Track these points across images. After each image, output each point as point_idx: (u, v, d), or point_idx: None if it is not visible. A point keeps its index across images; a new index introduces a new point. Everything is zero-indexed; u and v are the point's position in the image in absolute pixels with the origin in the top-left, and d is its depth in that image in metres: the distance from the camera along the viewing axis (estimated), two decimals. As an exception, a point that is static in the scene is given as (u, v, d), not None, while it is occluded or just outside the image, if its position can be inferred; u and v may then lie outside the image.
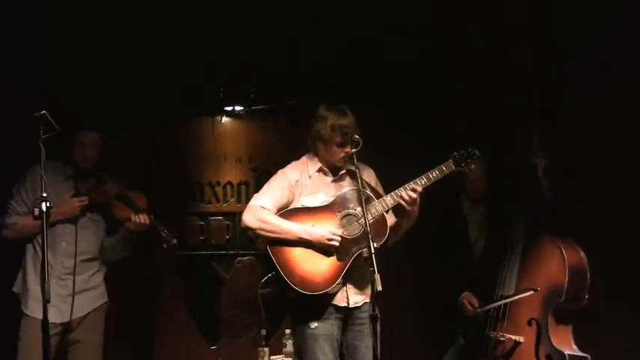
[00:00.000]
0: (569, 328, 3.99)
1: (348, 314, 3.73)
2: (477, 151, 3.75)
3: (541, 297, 3.97)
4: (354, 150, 3.57)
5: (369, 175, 3.86)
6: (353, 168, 3.67)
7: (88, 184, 4.06)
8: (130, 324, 5.05)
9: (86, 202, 4.03)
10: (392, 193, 3.69)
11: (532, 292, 3.98)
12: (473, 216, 4.56)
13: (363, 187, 3.64)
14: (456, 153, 3.73)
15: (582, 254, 3.99)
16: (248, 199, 5.25)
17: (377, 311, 3.31)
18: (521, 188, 4.15)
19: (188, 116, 5.44)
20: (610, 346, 4.16)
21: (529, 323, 3.98)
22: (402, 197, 3.63)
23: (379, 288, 3.19)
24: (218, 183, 5.51)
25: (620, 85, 4.27)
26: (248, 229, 3.77)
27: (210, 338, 5.35)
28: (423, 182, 3.65)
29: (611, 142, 4.33)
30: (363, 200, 3.49)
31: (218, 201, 5.50)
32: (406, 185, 3.67)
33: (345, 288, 3.70)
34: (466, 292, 4.36)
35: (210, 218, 5.49)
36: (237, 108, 5.45)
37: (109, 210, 4.10)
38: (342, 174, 3.82)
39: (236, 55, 5.07)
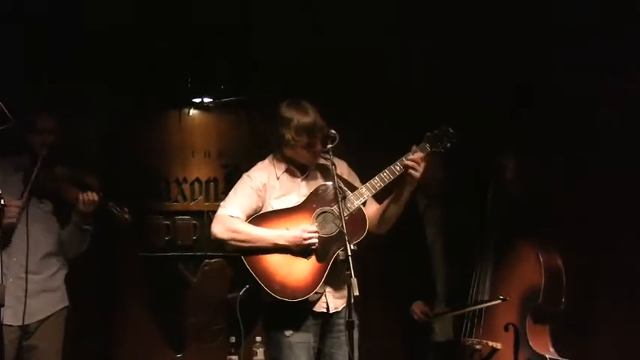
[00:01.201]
0: (547, 331, 4.01)
1: (326, 320, 3.70)
2: (451, 129, 3.69)
3: (518, 300, 3.99)
4: (330, 146, 3.56)
5: (340, 167, 3.81)
6: (322, 162, 3.69)
7: (38, 171, 3.99)
8: (88, 329, 4.99)
9: (20, 205, 3.94)
10: (370, 182, 3.65)
11: (500, 301, 4.00)
12: (430, 215, 4.53)
13: (338, 178, 3.63)
14: (429, 133, 3.68)
15: (558, 257, 4.02)
16: (217, 197, 5.37)
17: (354, 317, 3.33)
18: (490, 191, 4.16)
19: (153, 108, 5.40)
20: (592, 353, 4.28)
21: (506, 328, 3.99)
22: (403, 167, 3.58)
23: (356, 292, 3.17)
24: (185, 180, 5.48)
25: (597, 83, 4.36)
26: (218, 240, 3.72)
27: (175, 345, 5.34)
28: (398, 168, 3.63)
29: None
30: (340, 198, 3.48)
31: (185, 199, 5.48)
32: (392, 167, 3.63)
33: (325, 292, 3.67)
34: (417, 302, 4.42)
35: (176, 217, 5.47)
36: (206, 100, 5.42)
37: (59, 194, 4.03)
38: (312, 171, 3.80)
39: (205, 44, 5.05)
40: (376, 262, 4.69)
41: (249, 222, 3.70)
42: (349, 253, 3.26)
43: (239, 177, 4.26)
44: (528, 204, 4.14)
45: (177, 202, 5.49)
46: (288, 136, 3.65)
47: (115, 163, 5.23)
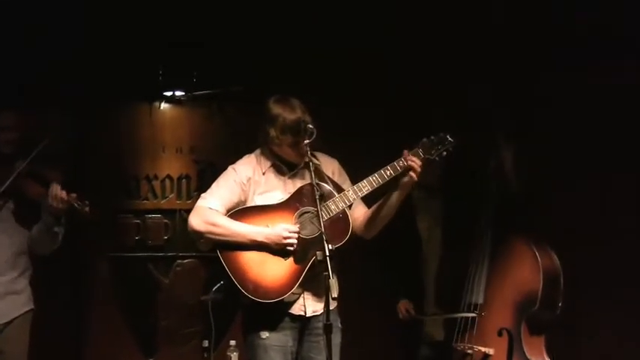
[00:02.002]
0: (542, 338, 3.98)
1: (304, 324, 3.67)
2: (449, 137, 3.62)
3: (513, 305, 3.95)
4: (307, 141, 3.52)
5: (331, 166, 3.80)
6: (313, 160, 3.62)
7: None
8: (55, 333, 4.97)
9: None
10: (358, 185, 3.62)
11: (474, 315, 4.00)
12: (424, 208, 4.46)
13: (324, 181, 3.62)
14: (425, 139, 3.63)
15: (556, 259, 3.98)
16: (189, 195, 5.37)
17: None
18: (485, 186, 4.14)
19: (122, 101, 5.38)
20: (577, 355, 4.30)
21: (499, 334, 3.95)
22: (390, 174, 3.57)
23: (334, 294, 3.14)
24: (156, 177, 5.47)
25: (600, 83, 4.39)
26: (195, 233, 3.68)
27: (146, 349, 5.31)
28: (388, 173, 3.58)
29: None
30: (317, 197, 3.43)
31: (156, 197, 5.47)
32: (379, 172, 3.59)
33: (302, 295, 3.64)
34: (403, 300, 4.42)
35: (146, 216, 5.46)
36: (178, 93, 5.40)
37: (21, 191, 3.98)
38: (300, 168, 3.75)
39: (177, 35, 5.02)
40: (362, 259, 4.68)
41: (228, 216, 3.67)
42: (327, 254, 3.22)
43: (212, 173, 4.25)
44: (526, 200, 4.11)
45: (148, 200, 5.47)
46: (273, 133, 3.62)
47: (81, 159, 5.20)
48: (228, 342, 4.01)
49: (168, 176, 5.48)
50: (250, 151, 3.88)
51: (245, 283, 3.58)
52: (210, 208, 3.67)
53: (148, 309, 5.34)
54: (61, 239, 4.09)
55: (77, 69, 5.01)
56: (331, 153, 3.89)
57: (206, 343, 4.06)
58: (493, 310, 4.01)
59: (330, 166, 3.79)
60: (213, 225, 3.63)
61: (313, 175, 3.48)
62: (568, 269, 3.95)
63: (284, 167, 3.75)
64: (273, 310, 3.62)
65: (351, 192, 3.62)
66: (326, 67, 5.06)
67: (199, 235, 3.67)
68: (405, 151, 3.60)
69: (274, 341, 3.64)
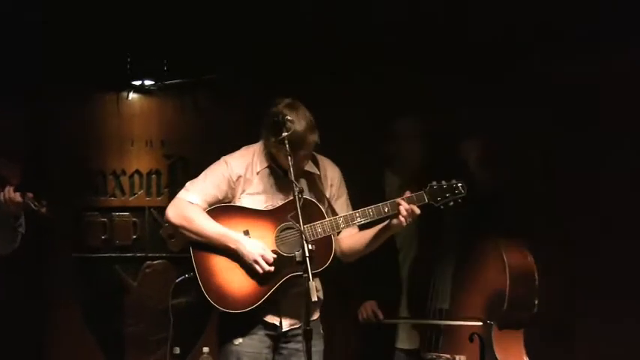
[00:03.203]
0: (520, 339, 3.98)
1: (280, 333, 3.68)
2: (461, 185, 3.60)
3: (481, 307, 3.98)
4: (285, 134, 3.47)
5: (331, 175, 3.81)
6: (313, 170, 3.70)
7: None
8: (14, 338, 4.91)
9: None
10: (351, 214, 3.62)
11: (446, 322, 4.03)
12: None
13: (318, 196, 3.67)
14: (434, 183, 3.61)
15: (528, 256, 3.99)
16: (159, 192, 5.37)
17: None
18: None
19: (86, 91, 5.34)
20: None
21: (470, 339, 3.94)
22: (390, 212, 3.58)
23: (314, 298, 3.13)
24: (124, 172, 5.45)
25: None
26: (170, 224, 3.72)
27: (112, 357, 5.29)
28: (386, 210, 3.58)
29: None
30: (296, 197, 3.36)
31: (123, 194, 5.45)
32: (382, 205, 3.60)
33: (278, 310, 3.65)
34: (369, 301, 4.36)
35: (113, 214, 5.43)
36: (148, 82, 5.37)
37: None
38: (298, 177, 3.65)
39: (147, 20, 4.97)
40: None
41: (208, 210, 3.68)
42: (307, 254, 3.21)
43: (184, 168, 4.19)
44: (496, 199, 4.12)
45: (115, 197, 5.45)
46: (271, 139, 3.60)
47: (41, 152, 5.20)
48: (202, 349, 3.99)
49: (137, 171, 5.45)
50: (224, 146, 3.88)
51: (208, 287, 3.61)
52: (190, 202, 3.67)
53: (115, 313, 5.32)
54: (20, 239, 4.04)
55: (35, 53, 4.97)
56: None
57: (177, 350, 4.03)
58: (462, 315, 4.02)
59: (330, 175, 3.80)
60: (188, 220, 3.64)
61: (292, 175, 3.40)
62: (568, 274, 4.07)
63: (280, 172, 3.70)
64: (246, 317, 3.62)
65: (342, 220, 3.62)
66: (306, 54, 5.07)
67: (174, 227, 3.71)
68: (408, 192, 3.60)
69: (247, 347, 3.64)
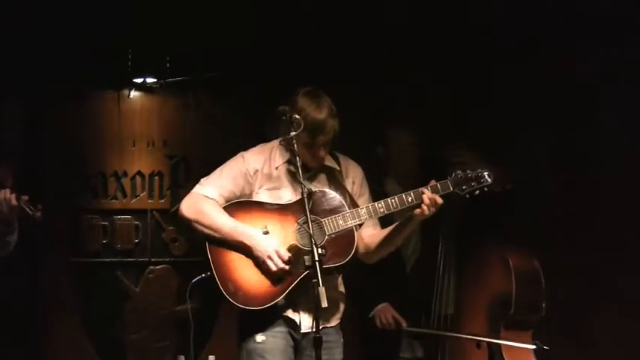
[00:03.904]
0: (528, 342, 3.95)
1: (300, 335, 3.64)
2: (487, 174, 3.57)
3: (487, 312, 4.00)
4: (293, 133, 3.44)
5: (353, 174, 3.80)
6: (333, 165, 3.70)
7: None
8: (10, 346, 4.85)
9: None
10: (373, 205, 3.60)
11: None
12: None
13: (339, 190, 3.63)
14: (459, 171, 3.59)
15: (533, 259, 4.02)
16: (162, 194, 5.34)
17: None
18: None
19: (86, 89, 5.32)
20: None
21: (478, 346, 3.94)
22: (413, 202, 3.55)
23: (324, 304, 3.11)
24: (125, 173, 5.43)
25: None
26: (183, 219, 3.70)
27: (113, 366, 5.18)
28: (409, 199, 3.54)
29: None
30: (305, 198, 3.36)
31: (125, 196, 5.42)
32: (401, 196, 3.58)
33: (297, 308, 3.63)
34: (384, 304, 4.31)
35: (115, 217, 5.41)
36: (149, 80, 5.35)
37: None
38: (318, 171, 3.73)
39: (149, 15, 4.98)
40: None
41: (226, 206, 3.67)
42: (316, 258, 3.21)
43: (186, 169, 4.15)
44: (494, 201, 4.06)
45: (116, 199, 5.43)
46: (292, 128, 3.54)
47: (39, 153, 5.18)
48: (207, 357, 3.98)
49: (139, 173, 5.43)
50: (228, 146, 3.94)
51: (226, 284, 3.58)
52: (206, 196, 3.67)
53: (116, 321, 5.30)
54: (13, 245, 3.99)
55: (33, 51, 4.96)
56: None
57: (182, 359, 4.01)
58: (468, 321, 4.06)
59: (352, 174, 3.79)
60: (203, 215, 3.64)
61: (300, 171, 3.42)
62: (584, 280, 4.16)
63: (300, 167, 3.68)
64: (266, 314, 3.61)
65: (364, 211, 3.60)
66: (309, 54, 5.09)
67: (187, 222, 3.69)
68: (433, 181, 3.58)
69: (270, 344, 3.62)
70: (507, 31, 4.67)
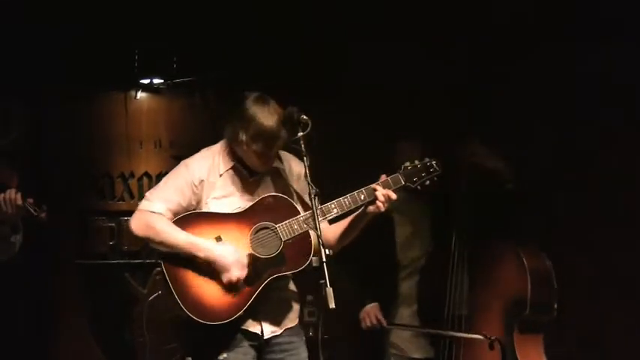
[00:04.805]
0: (539, 342, 4.03)
1: (262, 343, 3.61)
2: (435, 163, 3.57)
3: (501, 312, 4.01)
4: (301, 133, 3.40)
5: (298, 171, 3.71)
6: (277, 165, 3.63)
7: None
8: (16, 350, 4.86)
9: None
10: (326, 206, 3.55)
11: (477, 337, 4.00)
12: (405, 210, 4.40)
13: (288, 193, 3.61)
14: (407, 164, 3.57)
15: (545, 258, 4.04)
16: None
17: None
18: (455, 187, 4.20)
19: (93, 90, 5.36)
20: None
21: (490, 346, 3.93)
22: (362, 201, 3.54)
23: (332, 305, 3.06)
24: (132, 174, 5.48)
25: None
26: (135, 237, 3.62)
27: (120, 369, 5.18)
28: (362, 197, 3.52)
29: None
30: (312, 199, 3.33)
31: (132, 197, 5.47)
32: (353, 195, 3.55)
33: (257, 317, 3.59)
34: (371, 304, 4.35)
35: (122, 219, 5.42)
36: (156, 81, 5.40)
37: None
38: (264, 174, 3.68)
39: (156, 16, 5.01)
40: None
41: (175, 220, 3.57)
42: (324, 259, 3.15)
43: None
44: (506, 198, 4.16)
45: (123, 200, 5.48)
46: (242, 137, 3.55)
47: (46, 155, 5.21)
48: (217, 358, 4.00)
49: (146, 174, 5.48)
50: None
51: (185, 298, 3.51)
52: (153, 212, 3.57)
53: (123, 323, 5.33)
54: (19, 246, 4.00)
55: (38, 52, 4.97)
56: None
57: (190, 361, 4.04)
58: (480, 322, 4.05)
59: (297, 169, 3.71)
60: (155, 232, 3.55)
61: (307, 171, 3.38)
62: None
63: (245, 171, 3.67)
64: (227, 329, 3.54)
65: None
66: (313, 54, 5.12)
67: (139, 239, 3.63)
68: (383, 176, 3.54)
69: None
70: (507, 31, 4.70)
